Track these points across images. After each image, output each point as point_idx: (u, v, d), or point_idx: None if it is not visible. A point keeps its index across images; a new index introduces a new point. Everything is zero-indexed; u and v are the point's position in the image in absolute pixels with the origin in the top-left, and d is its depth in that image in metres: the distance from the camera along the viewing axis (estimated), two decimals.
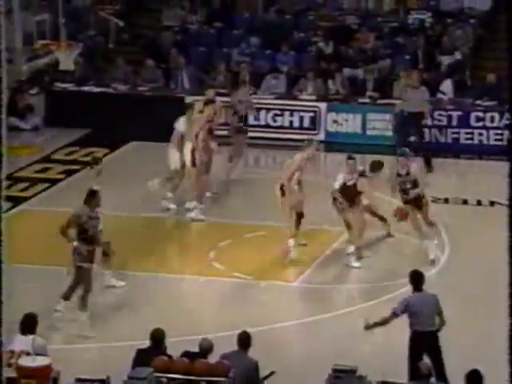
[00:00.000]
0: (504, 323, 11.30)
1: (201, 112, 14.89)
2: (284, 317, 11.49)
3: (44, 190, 15.75)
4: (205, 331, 10.28)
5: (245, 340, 8.84)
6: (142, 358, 8.65)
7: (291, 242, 12.77)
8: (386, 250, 13.32)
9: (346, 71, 19.09)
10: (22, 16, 19.65)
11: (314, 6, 20.84)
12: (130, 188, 15.42)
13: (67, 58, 15.11)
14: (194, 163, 14.46)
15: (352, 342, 10.85)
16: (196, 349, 8.62)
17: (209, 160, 14.73)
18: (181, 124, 14.68)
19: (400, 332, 11.18)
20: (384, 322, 9.55)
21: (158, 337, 8.86)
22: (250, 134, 16.55)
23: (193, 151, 14.46)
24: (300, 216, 12.99)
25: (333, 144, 17.58)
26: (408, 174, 12.88)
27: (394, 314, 9.54)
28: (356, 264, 12.75)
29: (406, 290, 12.05)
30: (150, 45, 20.51)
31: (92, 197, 11.33)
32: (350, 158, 12.99)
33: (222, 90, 18.67)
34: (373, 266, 12.85)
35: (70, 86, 19.01)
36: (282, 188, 12.86)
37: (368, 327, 9.57)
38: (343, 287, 12.14)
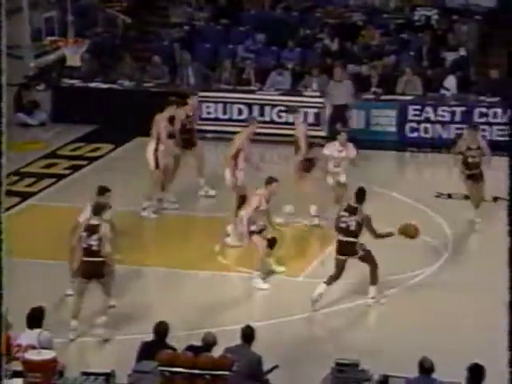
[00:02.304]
0: (502, 314, 11.34)
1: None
2: (288, 311, 11.51)
3: (50, 185, 15.81)
4: (209, 325, 10.34)
5: (249, 334, 8.88)
6: (147, 350, 8.70)
7: (229, 227, 13.06)
8: (388, 244, 13.27)
9: (351, 67, 19.10)
10: (30, 13, 19.71)
11: (321, 3, 20.84)
12: (136, 183, 15.46)
13: (74, 54, 15.16)
14: (157, 165, 14.41)
15: (355, 336, 10.88)
16: (200, 342, 8.66)
17: (171, 164, 14.62)
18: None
19: (400, 327, 11.23)
20: None
21: (161, 330, 8.91)
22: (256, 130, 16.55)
23: (155, 152, 14.42)
24: (243, 199, 13.09)
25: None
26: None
27: None
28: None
29: (412, 283, 12.13)
30: (157, 41, 20.56)
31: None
32: None
33: (227, 87, 18.80)
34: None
35: (76, 82, 19.03)
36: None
37: None
38: (347, 282, 12.15)
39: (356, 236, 11.44)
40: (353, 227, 11.39)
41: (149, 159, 14.43)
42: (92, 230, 10.66)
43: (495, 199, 14.59)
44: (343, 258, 11.47)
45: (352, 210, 11.48)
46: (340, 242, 11.52)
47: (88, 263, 10.61)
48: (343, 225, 11.46)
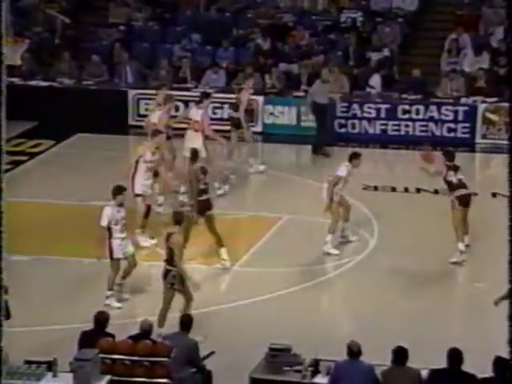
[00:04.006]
0: (426, 299, 11.50)
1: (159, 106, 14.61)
2: (224, 299, 11.48)
3: None
4: (149, 314, 10.25)
5: (186, 322, 8.83)
6: (87, 339, 8.57)
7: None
8: (315, 234, 13.28)
9: (282, 66, 19.14)
10: None
11: (253, 5, 20.83)
12: (76, 177, 15.29)
13: (14, 53, 14.86)
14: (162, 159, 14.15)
15: (290, 321, 10.88)
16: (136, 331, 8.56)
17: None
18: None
19: (331, 313, 11.28)
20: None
21: (101, 319, 8.78)
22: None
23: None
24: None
25: (269, 135, 17.63)
26: None
27: None
28: (333, 251, 12.57)
29: (342, 270, 12.20)
30: (96, 41, 20.31)
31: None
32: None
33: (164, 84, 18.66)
34: (304, 250, 12.86)
35: (17, 80, 18.71)
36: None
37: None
38: (279, 270, 12.16)
39: None
40: (207, 185, 12.37)
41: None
42: (167, 238, 10.36)
43: (494, 195, 14.73)
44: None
45: (205, 171, 12.29)
46: (202, 201, 12.13)
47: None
48: (203, 186, 12.19)
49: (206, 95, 15.26)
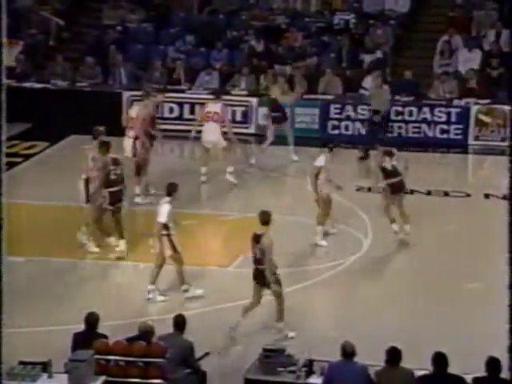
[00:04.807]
0: (420, 299, 11.49)
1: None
2: (218, 300, 11.45)
3: None
4: (145, 315, 10.23)
5: (180, 322, 8.81)
6: (79, 340, 8.54)
7: None
8: (308, 235, 13.27)
9: (275, 68, 19.13)
10: None
11: (246, 7, 20.84)
12: (71, 178, 15.21)
13: (8, 54, 14.84)
14: (134, 154, 14.23)
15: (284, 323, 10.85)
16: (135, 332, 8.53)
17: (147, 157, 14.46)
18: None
19: (325, 313, 11.27)
20: None
21: (92, 320, 8.74)
22: (186, 128, 16.47)
23: (135, 140, 14.20)
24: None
25: (263, 136, 17.58)
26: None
27: None
28: (323, 243, 12.79)
29: (336, 271, 12.20)
30: (90, 42, 20.28)
31: None
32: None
33: (158, 86, 18.66)
34: (297, 251, 12.85)
35: (11, 82, 18.64)
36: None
37: None
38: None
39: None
40: (119, 176, 12.37)
41: (126, 147, 14.20)
42: (256, 239, 10.24)
43: (487, 196, 14.76)
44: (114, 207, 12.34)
45: (117, 163, 12.33)
46: (113, 192, 12.34)
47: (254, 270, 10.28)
48: (114, 177, 12.29)
49: (219, 92, 15.93)
